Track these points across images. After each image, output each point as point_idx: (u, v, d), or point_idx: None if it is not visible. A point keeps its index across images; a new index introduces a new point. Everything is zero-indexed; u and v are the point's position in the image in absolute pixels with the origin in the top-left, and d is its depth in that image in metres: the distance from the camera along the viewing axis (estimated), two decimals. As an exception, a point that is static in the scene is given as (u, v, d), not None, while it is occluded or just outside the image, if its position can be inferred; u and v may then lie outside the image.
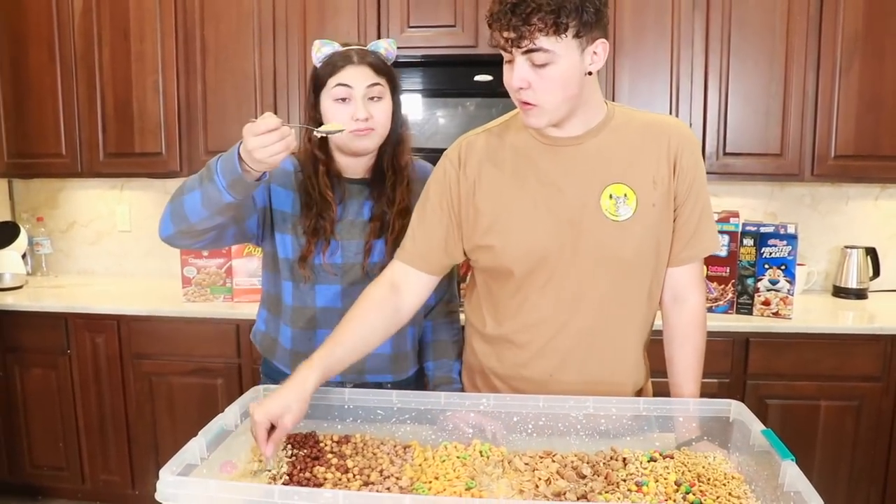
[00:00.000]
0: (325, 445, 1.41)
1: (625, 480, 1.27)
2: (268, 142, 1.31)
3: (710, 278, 2.88)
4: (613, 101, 1.59)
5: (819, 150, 2.95)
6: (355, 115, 1.60)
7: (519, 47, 1.31)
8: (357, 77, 1.61)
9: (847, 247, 3.23)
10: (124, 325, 3.06)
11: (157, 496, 1.09)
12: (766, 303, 2.84)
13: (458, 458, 1.35)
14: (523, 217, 1.49)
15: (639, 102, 2.95)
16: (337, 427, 1.49)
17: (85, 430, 3.16)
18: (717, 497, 1.21)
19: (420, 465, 1.33)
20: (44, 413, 3.19)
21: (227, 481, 1.22)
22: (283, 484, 1.25)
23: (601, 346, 1.54)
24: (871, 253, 3.22)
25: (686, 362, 1.60)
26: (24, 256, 3.57)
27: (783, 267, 2.82)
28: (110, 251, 3.85)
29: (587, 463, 1.32)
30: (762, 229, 2.87)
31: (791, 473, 1.14)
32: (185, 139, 3.26)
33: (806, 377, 2.75)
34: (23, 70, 3.34)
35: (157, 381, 3.07)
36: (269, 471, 1.30)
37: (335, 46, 1.66)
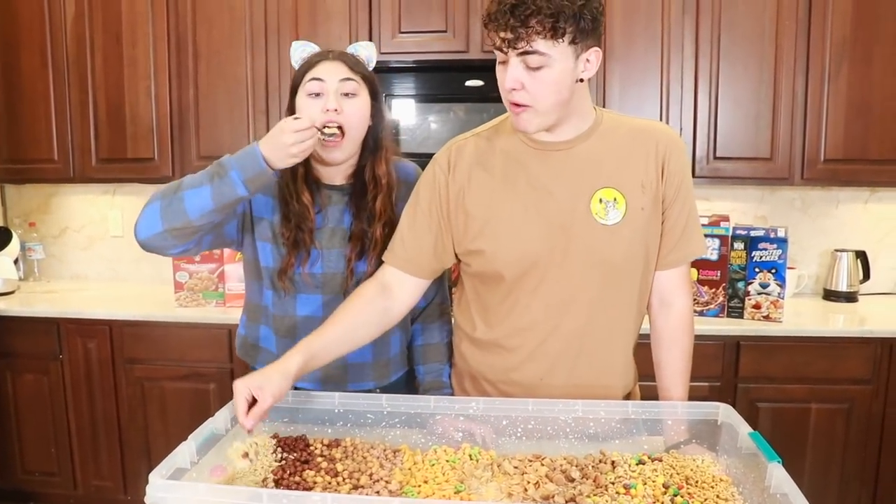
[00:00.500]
0: (315, 449, 1.41)
1: (613, 483, 1.27)
2: (304, 137, 1.44)
3: (700, 282, 2.89)
4: (604, 106, 1.60)
5: (808, 154, 2.97)
6: (326, 106, 1.58)
7: (515, 48, 1.33)
8: (330, 71, 1.60)
9: (837, 250, 3.24)
10: (116, 331, 3.06)
11: (147, 500, 1.09)
12: (757, 306, 2.86)
13: (447, 461, 1.36)
14: (514, 221, 1.50)
15: (629, 107, 2.96)
16: (327, 431, 1.49)
17: (77, 435, 3.15)
18: (705, 499, 1.22)
19: (409, 468, 1.34)
20: (36, 418, 3.18)
21: (216, 484, 1.22)
22: (273, 487, 1.25)
23: (591, 350, 1.55)
24: (861, 256, 3.24)
25: (674, 366, 1.61)
26: (16, 262, 3.57)
27: (773, 270, 2.83)
28: (103, 256, 3.85)
29: (576, 466, 1.33)
30: (752, 233, 2.88)
31: (777, 475, 1.15)
32: (177, 144, 3.27)
33: (797, 380, 2.76)
34: (15, 75, 3.34)
35: (150, 386, 3.07)
36: (248, 457, 1.30)
37: (312, 48, 1.67)
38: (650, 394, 1.64)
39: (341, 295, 1.67)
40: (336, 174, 1.72)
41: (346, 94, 1.61)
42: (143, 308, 3.12)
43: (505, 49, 1.34)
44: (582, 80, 1.41)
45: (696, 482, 1.28)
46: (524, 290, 1.53)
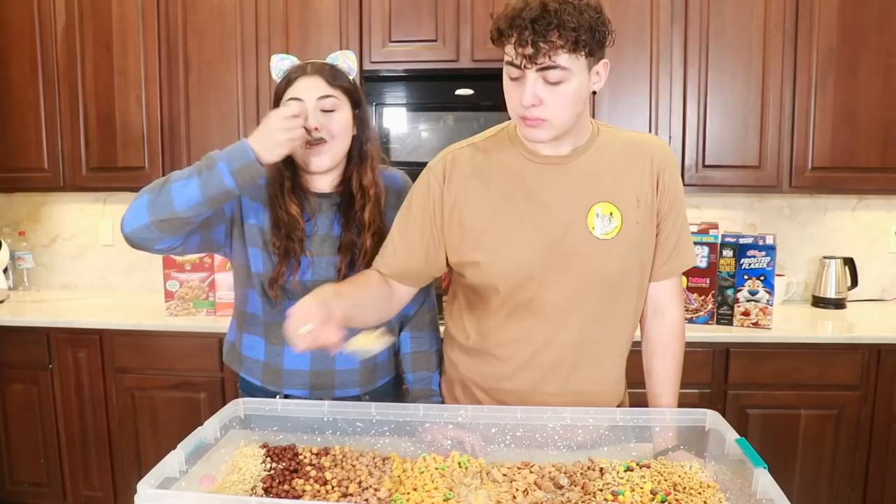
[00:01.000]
0: (304, 458, 1.41)
1: (601, 490, 1.28)
2: (292, 125, 1.46)
3: (690, 289, 2.91)
4: (593, 115, 1.61)
5: (796, 162, 3.00)
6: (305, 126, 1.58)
7: (535, 63, 1.31)
8: (308, 88, 1.61)
9: (825, 257, 3.27)
10: (107, 340, 3.05)
11: (135, 509, 1.09)
12: (746, 313, 2.87)
13: (436, 469, 1.36)
14: (510, 234, 1.50)
15: (619, 115, 2.98)
16: (316, 440, 1.49)
17: (66, 445, 3.14)
18: (692, 505, 1.23)
19: (399, 476, 1.34)
20: (25, 428, 3.16)
21: (204, 493, 1.22)
22: (262, 496, 1.26)
23: (585, 362, 1.56)
24: (850, 263, 3.26)
25: (665, 374, 1.62)
26: (5, 271, 3.56)
27: (762, 277, 2.85)
28: (93, 265, 3.84)
29: (564, 473, 1.34)
30: (741, 240, 2.90)
31: (763, 481, 1.15)
32: (167, 154, 3.27)
33: (786, 386, 2.78)
34: (5, 84, 3.34)
35: (140, 396, 3.06)
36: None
37: (292, 60, 1.67)
38: (638, 401, 1.65)
39: None
40: (323, 183, 1.72)
41: (326, 111, 1.62)
42: (134, 317, 3.11)
43: (525, 65, 1.32)
44: (595, 93, 1.42)
45: (684, 488, 1.29)
46: (519, 302, 1.53)
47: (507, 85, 1.40)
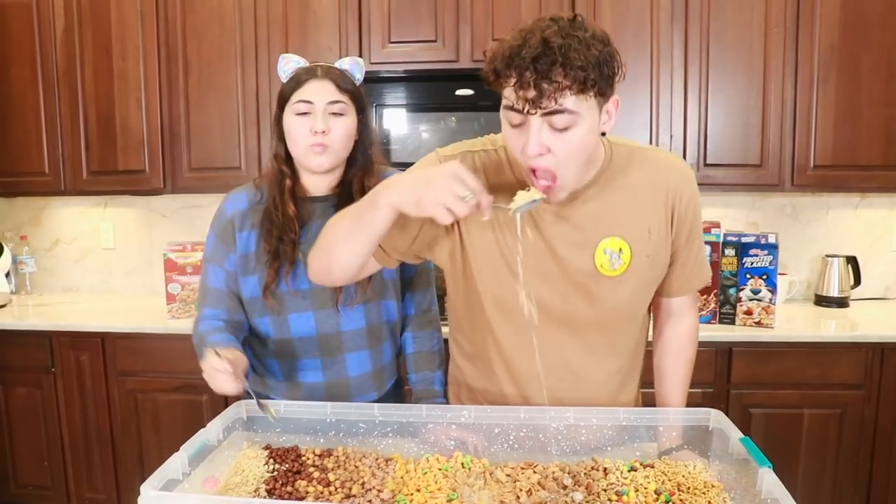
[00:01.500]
0: (308, 459, 1.41)
1: (605, 490, 1.27)
2: (215, 380, 1.48)
3: (692, 288, 2.90)
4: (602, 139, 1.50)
5: (798, 161, 2.99)
6: (313, 128, 1.60)
7: (539, 108, 1.16)
8: (318, 92, 1.61)
9: (828, 256, 3.26)
10: (109, 343, 3.05)
11: (139, 512, 1.09)
12: (749, 312, 2.87)
13: (439, 470, 1.36)
14: (510, 281, 1.41)
15: (619, 115, 2.96)
16: (319, 441, 1.49)
17: (70, 448, 3.14)
18: (696, 505, 1.22)
19: (402, 477, 1.34)
20: (28, 432, 3.17)
21: (208, 496, 1.22)
22: (265, 498, 1.25)
23: (588, 389, 1.51)
24: (852, 261, 3.26)
25: (678, 375, 1.61)
26: (7, 275, 3.56)
27: (765, 276, 2.84)
28: (95, 269, 3.84)
29: (568, 473, 1.33)
30: (743, 239, 2.89)
31: (768, 481, 1.15)
32: (168, 156, 3.27)
33: (789, 386, 2.77)
34: (5, 88, 3.34)
35: (143, 399, 3.06)
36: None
37: (300, 62, 1.67)
38: (650, 401, 1.65)
39: (333, 308, 1.69)
40: (322, 184, 1.72)
41: (334, 114, 1.63)
42: (136, 320, 3.11)
43: (528, 110, 1.17)
44: (604, 134, 1.30)
45: (688, 488, 1.28)
46: (513, 332, 1.46)
47: (508, 133, 1.25)
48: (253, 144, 3.18)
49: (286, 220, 1.65)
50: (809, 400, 2.77)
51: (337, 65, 1.68)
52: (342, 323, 1.70)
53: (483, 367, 1.56)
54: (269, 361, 1.77)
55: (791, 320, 2.98)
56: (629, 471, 1.35)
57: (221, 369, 1.44)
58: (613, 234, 1.39)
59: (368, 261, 1.45)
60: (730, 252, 2.89)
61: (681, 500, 1.24)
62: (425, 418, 1.48)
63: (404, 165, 2.85)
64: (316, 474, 1.34)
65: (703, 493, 1.26)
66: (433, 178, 1.18)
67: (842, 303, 3.23)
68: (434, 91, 3.09)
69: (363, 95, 1.70)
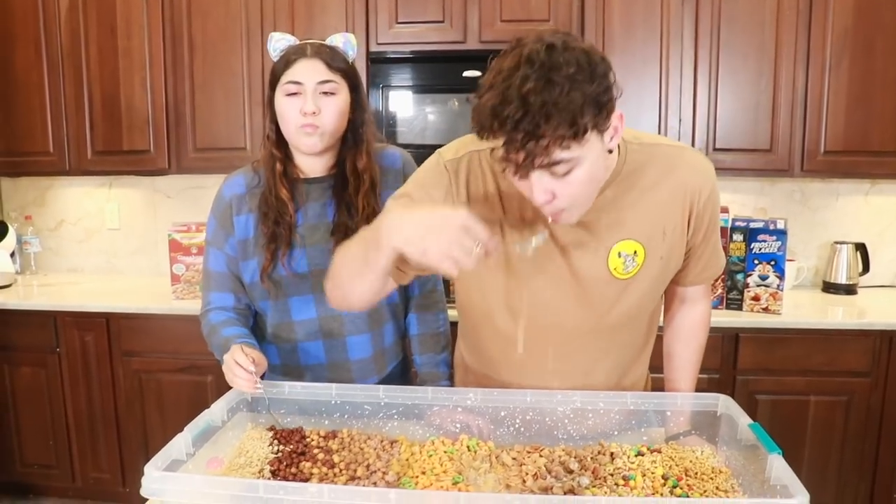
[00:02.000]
0: (312, 440, 1.40)
1: (612, 475, 1.26)
2: (236, 376, 1.45)
3: (699, 274, 2.88)
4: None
5: (809, 146, 2.96)
6: (303, 109, 1.56)
7: (532, 167, 1.11)
8: (308, 72, 1.57)
9: (837, 242, 3.24)
10: (114, 323, 3.05)
11: (143, 491, 1.08)
12: (756, 298, 2.85)
13: (445, 452, 1.35)
14: (521, 282, 1.38)
15: (628, 99, 2.94)
16: (324, 422, 1.48)
17: (75, 428, 3.15)
18: (704, 491, 1.21)
19: (407, 459, 1.33)
20: (33, 411, 3.18)
21: (212, 476, 1.21)
22: (269, 479, 1.24)
23: (595, 380, 1.49)
24: (861, 248, 3.23)
25: (688, 360, 1.60)
26: (12, 255, 3.55)
27: (773, 262, 2.82)
28: (99, 249, 3.83)
29: (574, 457, 1.32)
30: (752, 225, 2.87)
31: (777, 467, 1.13)
32: (173, 136, 3.25)
33: (796, 372, 2.76)
34: (9, 67, 3.32)
35: (147, 379, 3.06)
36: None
37: (289, 40, 1.63)
38: (657, 385, 1.64)
39: None
40: (316, 165, 1.69)
41: (325, 93, 1.59)
42: (141, 300, 3.11)
43: (521, 171, 1.13)
44: (611, 151, 1.25)
45: (696, 474, 1.28)
46: (529, 341, 1.42)
47: (513, 179, 1.19)
48: (258, 125, 3.15)
49: (280, 204, 1.63)
50: (816, 387, 2.76)
51: (328, 41, 1.64)
52: None
53: (487, 361, 1.54)
54: (269, 346, 1.76)
55: (798, 307, 2.96)
56: (636, 455, 1.34)
57: (246, 368, 1.43)
58: (629, 238, 1.35)
59: (385, 285, 1.37)
60: (738, 237, 2.87)
61: (688, 485, 1.23)
62: (431, 401, 1.47)
63: (410, 147, 2.85)
64: (320, 456, 1.33)
65: (711, 479, 1.26)
66: (440, 229, 1.09)
67: (850, 290, 3.21)
68: (441, 72, 3.06)
69: (356, 73, 1.67)
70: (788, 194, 3.38)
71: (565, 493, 1.19)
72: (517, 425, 1.44)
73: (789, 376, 2.76)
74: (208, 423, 1.32)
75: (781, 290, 2.82)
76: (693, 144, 2.98)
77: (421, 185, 1.38)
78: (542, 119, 1.04)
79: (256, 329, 1.77)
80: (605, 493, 1.20)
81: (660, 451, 1.35)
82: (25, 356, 3.15)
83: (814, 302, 3.11)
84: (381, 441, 1.39)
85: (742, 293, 2.88)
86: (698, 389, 1.59)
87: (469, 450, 1.36)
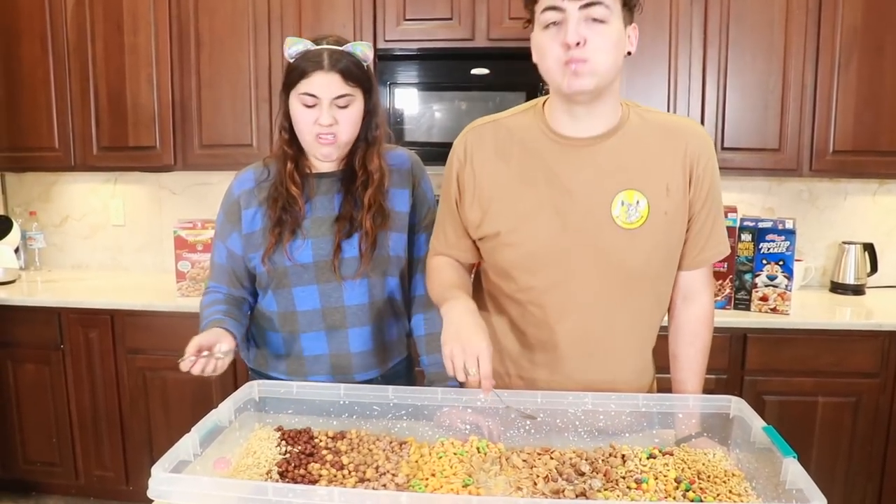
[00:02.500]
0: (320, 441, 1.39)
1: (624, 478, 1.25)
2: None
3: (707, 274, 2.87)
4: (622, 101, 1.51)
5: (817, 146, 2.94)
6: (320, 120, 1.58)
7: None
8: (325, 87, 1.58)
9: (845, 242, 3.22)
10: (118, 320, 3.04)
11: (150, 493, 1.07)
12: (764, 298, 2.83)
13: (454, 454, 1.33)
14: (528, 218, 1.46)
15: (637, 96, 2.88)
16: (332, 423, 1.47)
17: (78, 425, 3.14)
18: (718, 494, 1.20)
19: (416, 461, 1.31)
20: (37, 408, 3.17)
21: (220, 478, 1.20)
22: (277, 480, 1.23)
23: (604, 353, 1.52)
24: (869, 249, 3.21)
25: (693, 360, 1.58)
26: (16, 251, 3.55)
27: (781, 262, 2.81)
28: (104, 245, 3.82)
29: (586, 460, 1.31)
30: (760, 224, 2.85)
31: (793, 471, 1.12)
32: (179, 133, 3.24)
33: (804, 373, 2.74)
34: (15, 62, 3.31)
35: (151, 377, 3.05)
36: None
37: (307, 45, 1.61)
38: (666, 387, 1.62)
39: (336, 282, 1.68)
40: (327, 163, 1.72)
41: (340, 106, 1.61)
42: (145, 297, 3.10)
43: (565, 3, 1.30)
44: (630, 53, 1.40)
45: (709, 477, 1.26)
46: (535, 288, 1.49)
47: (543, 37, 1.35)
48: (265, 122, 3.14)
49: (290, 197, 1.67)
50: (824, 388, 2.74)
51: (346, 48, 1.62)
52: (345, 297, 1.70)
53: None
54: (273, 335, 1.78)
55: (806, 307, 2.94)
56: (648, 458, 1.32)
57: (189, 350, 1.52)
58: (631, 187, 1.42)
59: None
60: (746, 237, 2.86)
61: (701, 488, 1.22)
62: (440, 402, 1.45)
63: (417, 145, 2.85)
64: (329, 457, 1.32)
65: (724, 482, 1.24)
66: (463, 343, 1.32)
67: (858, 290, 3.19)
68: (449, 70, 3.04)
69: (371, 79, 1.68)
70: (796, 194, 3.36)
71: (577, 497, 1.18)
72: (527, 426, 1.43)
73: (797, 377, 2.75)
74: (216, 423, 1.31)
75: (790, 291, 2.81)
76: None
77: (447, 178, 1.59)
78: None
79: (262, 319, 1.79)
80: (618, 496, 1.18)
81: (672, 454, 1.34)
82: (29, 353, 3.14)
83: (822, 302, 3.09)
84: (391, 442, 1.38)
85: (750, 293, 2.86)
86: (706, 391, 1.58)
87: (479, 451, 1.35)
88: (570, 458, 1.32)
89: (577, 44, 1.30)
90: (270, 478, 1.24)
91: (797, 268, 3.02)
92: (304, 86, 1.58)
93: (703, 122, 2.96)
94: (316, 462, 1.30)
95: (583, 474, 1.26)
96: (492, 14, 2.95)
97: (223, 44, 3.15)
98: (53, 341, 3.10)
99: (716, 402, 1.42)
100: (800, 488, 1.09)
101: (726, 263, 2.86)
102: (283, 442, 1.38)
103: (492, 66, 2.98)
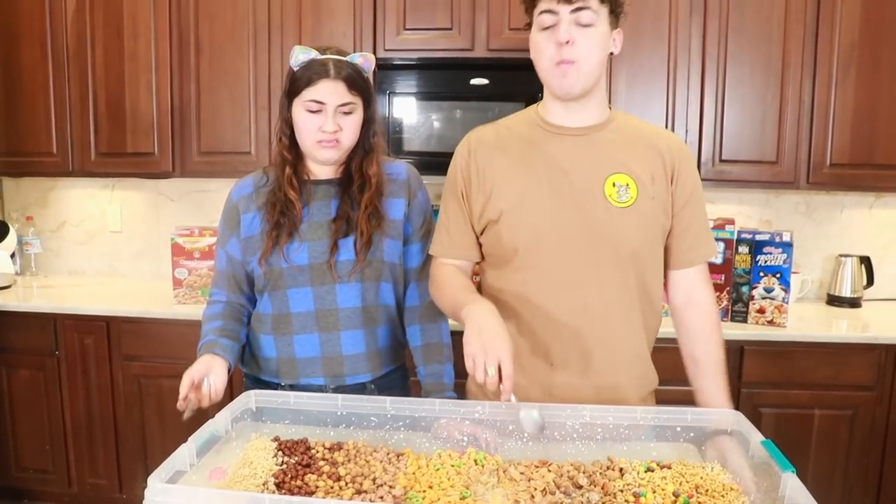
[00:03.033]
0: (317, 452, 1.38)
1: (622, 491, 1.24)
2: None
3: (705, 285, 2.87)
4: (609, 106, 1.63)
5: (815, 159, 2.95)
6: (324, 127, 1.64)
7: (570, 3, 1.45)
8: (330, 94, 1.64)
9: (841, 255, 3.23)
10: (114, 327, 3.03)
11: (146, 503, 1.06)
12: (761, 311, 2.83)
13: (452, 466, 1.33)
14: (527, 196, 1.56)
15: (635, 107, 2.94)
16: (329, 434, 1.46)
17: (72, 432, 3.13)
18: (716, 509, 1.19)
19: (414, 473, 1.31)
20: (31, 415, 3.15)
21: (216, 489, 1.19)
22: (274, 492, 1.23)
23: (600, 332, 1.58)
24: (866, 262, 3.22)
25: (713, 358, 1.62)
26: (13, 256, 3.54)
27: (778, 275, 2.81)
28: (101, 251, 3.81)
29: (583, 472, 1.30)
30: (758, 237, 2.86)
31: (792, 486, 1.12)
32: (177, 139, 3.24)
33: (800, 386, 2.74)
34: (15, 67, 3.31)
35: (147, 384, 3.04)
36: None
37: (313, 54, 1.66)
38: (668, 398, 1.64)
39: (330, 285, 1.71)
40: (326, 168, 1.77)
41: (344, 113, 1.67)
42: (142, 304, 3.09)
43: (558, 7, 1.46)
44: (612, 54, 1.56)
45: (706, 491, 1.26)
46: (535, 266, 1.57)
47: (539, 38, 1.52)
48: (264, 129, 3.14)
49: (288, 202, 1.71)
50: (820, 401, 2.74)
51: (350, 59, 1.68)
52: (339, 300, 1.73)
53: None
54: (265, 338, 1.79)
55: (803, 319, 2.95)
56: (646, 471, 1.32)
57: (183, 393, 1.56)
58: (622, 171, 1.56)
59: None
60: (743, 249, 2.86)
61: (699, 502, 1.21)
62: (438, 413, 1.45)
63: (416, 154, 2.86)
64: (326, 468, 1.31)
65: (723, 496, 1.23)
66: (486, 343, 1.34)
67: (854, 303, 3.20)
68: (448, 80, 3.05)
69: (371, 89, 1.74)
70: (793, 206, 3.37)
71: (575, 510, 1.18)
72: (525, 438, 1.42)
73: (794, 389, 2.75)
74: (212, 433, 1.31)
75: (787, 303, 2.81)
76: (699, 155, 2.97)
77: (450, 175, 1.70)
78: None
79: (255, 321, 1.81)
80: (616, 510, 1.18)
81: (670, 467, 1.34)
82: (24, 358, 3.12)
83: (818, 315, 3.10)
84: (388, 454, 1.37)
85: (747, 305, 2.87)
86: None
87: (476, 463, 1.35)
88: (568, 471, 1.31)
89: (567, 42, 1.46)
90: (267, 489, 1.23)
91: (794, 280, 3.02)
92: (310, 93, 1.64)
93: (700, 135, 2.98)
94: (313, 473, 1.29)
95: (580, 487, 1.26)
96: (492, 25, 2.96)
97: (223, 51, 3.15)
98: (48, 347, 3.08)
99: (715, 416, 1.42)
100: (798, 503, 1.09)
101: (723, 275, 2.86)
102: (280, 452, 1.37)
103: (491, 76, 2.98)
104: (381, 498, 1.20)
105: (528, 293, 1.58)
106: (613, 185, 1.54)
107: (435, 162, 2.94)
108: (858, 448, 2.76)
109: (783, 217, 3.37)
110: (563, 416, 1.41)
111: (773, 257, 2.81)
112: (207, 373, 1.60)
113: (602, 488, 1.25)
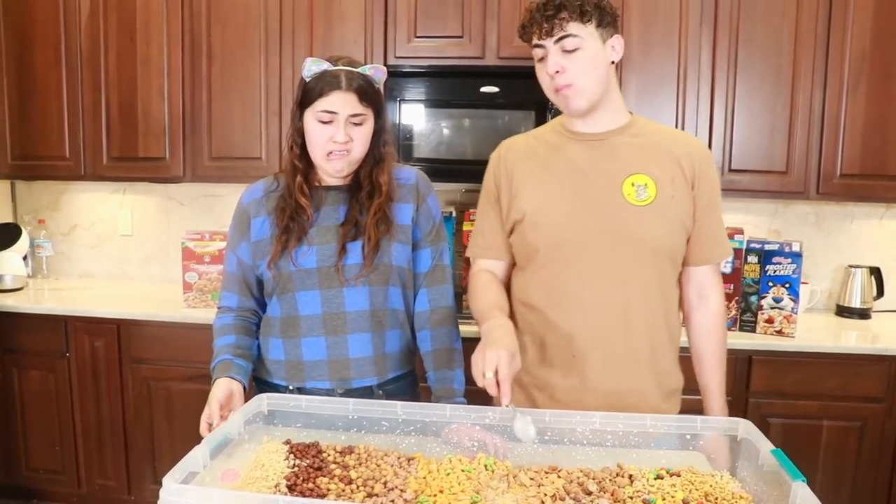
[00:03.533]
0: (329, 455, 1.39)
1: (632, 497, 1.25)
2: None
3: (713, 295, 2.87)
4: (630, 111, 1.72)
5: (825, 169, 2.95)
6: (335, 138, 1.65)
7: (552, 36, 1.55)
8: (342, 105, 1.65)
9: (851, 266, 3.22)
10: (124, 329, 3.05)
11: (160, 504, 1.07)
12: (770, 321, 2.83)
13: (462, 471, 1.34)
14: (549, 197, 1.66)
15: (644, 116, 2.93)
16: (340, 437, 1.47)
17: (82, 433, 3.14)
18: (725, 517, 1.20)
19: (424, 477, 1.32)
20: (41, 416, 3.17)
21: (229, 490, 1.20)
22: (286, 494, 1.23)
23: (621, 328, 1.65)
24: (876, 273, 3.21)
25: (714, 354, 1.76)
26: (24, 258, 3.56)
27: (787, 285, 2.81)
28: (111, 255, 3.84)
29: (593, 479, 1.31)
30: (767, 247, 2.86)
31: (802, 495, 1.12)
32: (189, 144, 3.26)
33: (809, 396, 2.73)
34: (28, 71, 3.34)
35: (156, 387, 3.05)
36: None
37: (325, 65, 1.67)
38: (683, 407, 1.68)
39: (338, 288, 1.71)
40: (336, 178, 1.78)
41: (355, 124, 1.68)
42: (152, 308, 3.11)
43: (543, 41, 1.57)
44: (614, 63, 1.63)
45: (716, 499, 1.26)
46: (556, 263, 1.66)
47: (537, 69, 1.64)
48: (275, 135, 3.16)
49: (298, 207, 1.73)
50: (829, 412, 2.73)
51: (360, 70, 1.69)
52: (347, 303, 1.73)
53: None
54: (274, 341, 1.80)
55: (812, 330, 2.94)
56: (655, 478, 1.32)
57: (207, 419, 1.64)
58: (641, 172, 1.64)
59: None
60: (753, 259, 2.86)
61: (709, 510, 1.22)
62: (449, 418, 1.46)
63: (426, 162, 2.86)
64: (337, 471, 1.32)
65: (732, 505, 1.24)
66: (489, 349, 1.41)
67: (864, 314, 3.19)
68: (458, 87, 3.05)
69: (382, 98, 1.75)
70: (802, 216, 3.36)
71: (585, 516, 1.18)
72: (535, 444, 1.43)
73: (802, 400, 2.74)
74: (225, 435, 1.32)
75: (795, 313, 2.81)
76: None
77: (485, 182, 1.83)
78: (563, 4, 1.54)
79: (265, 326, 1.83)
80: (626, 517, 1.18)
81: (679, 475, 1.34)
82: (35, 360, 3.14)
83: (827, 325, 3.09)
84: (399, 458, 1.38)
85: (756, 315, 2.86)
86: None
87: (486, 469, 1.35)
88: (578, 477, 1.32)
89: (557, 72, 1.57)
90: (279, 491, 1.24)
91: (803, 290, 3.02)
92: (322, 104, 1.65)
93: (710, 144, 2.97)
94: (324, 476, 1.30)
95: (590, 493, 1.26)
96: (502, 33, 2.97)
97: (234, 56, 3.18)
98: (59, 349, 3.10)
99: (724, 425, 1.42)
100: (809, 512, 1.09)
101: (732, 285, 2.86)
102: (292, 455, 1.38)
103: (501, 84, 2.99)
104: (393, 501, 1.21)
105: (550, 290, 1.67)
106: (632, 184, 1.62)
107: (444, 169, 2.95)
108: (867, 461, 2.74)
109: (792, 227, 3.37)
110: (573, 423, 1.41)
111: (783, 267, 2.81)
112: (230, 401, 1.65)
113: (612, 495, 1.25)
